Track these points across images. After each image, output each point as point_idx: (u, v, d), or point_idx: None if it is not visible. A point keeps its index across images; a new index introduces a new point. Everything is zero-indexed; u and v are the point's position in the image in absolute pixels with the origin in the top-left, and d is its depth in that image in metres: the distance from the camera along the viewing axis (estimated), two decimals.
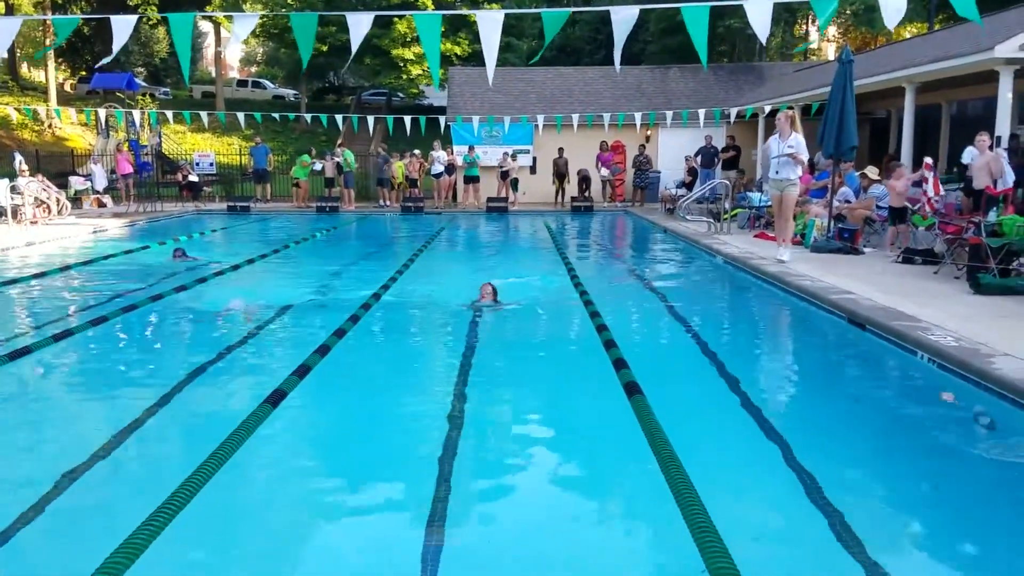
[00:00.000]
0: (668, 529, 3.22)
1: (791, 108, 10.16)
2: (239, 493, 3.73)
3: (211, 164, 26.09)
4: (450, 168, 22.52)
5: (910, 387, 5.74)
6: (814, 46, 40.27)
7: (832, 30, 44.07)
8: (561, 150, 22.14)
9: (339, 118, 23.91)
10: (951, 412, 5.10)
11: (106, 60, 7.56)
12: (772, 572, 3.05)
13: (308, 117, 20.85)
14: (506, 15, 7.28)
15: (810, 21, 41.52)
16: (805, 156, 10.11)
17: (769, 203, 14.78)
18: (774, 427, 4.47)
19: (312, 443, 4.57)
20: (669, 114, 20.38)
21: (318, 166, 22.83)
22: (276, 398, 4.68)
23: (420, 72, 33.27)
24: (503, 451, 4.32)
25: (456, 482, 3.70)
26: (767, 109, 18.56)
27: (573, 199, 21.68)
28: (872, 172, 12.32)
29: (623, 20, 6.83)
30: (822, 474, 3.77)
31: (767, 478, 3.92)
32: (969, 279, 8.10)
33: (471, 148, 22.37)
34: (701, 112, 19.24)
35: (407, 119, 20.21)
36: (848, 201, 12.35)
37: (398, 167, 22.85)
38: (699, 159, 20.41)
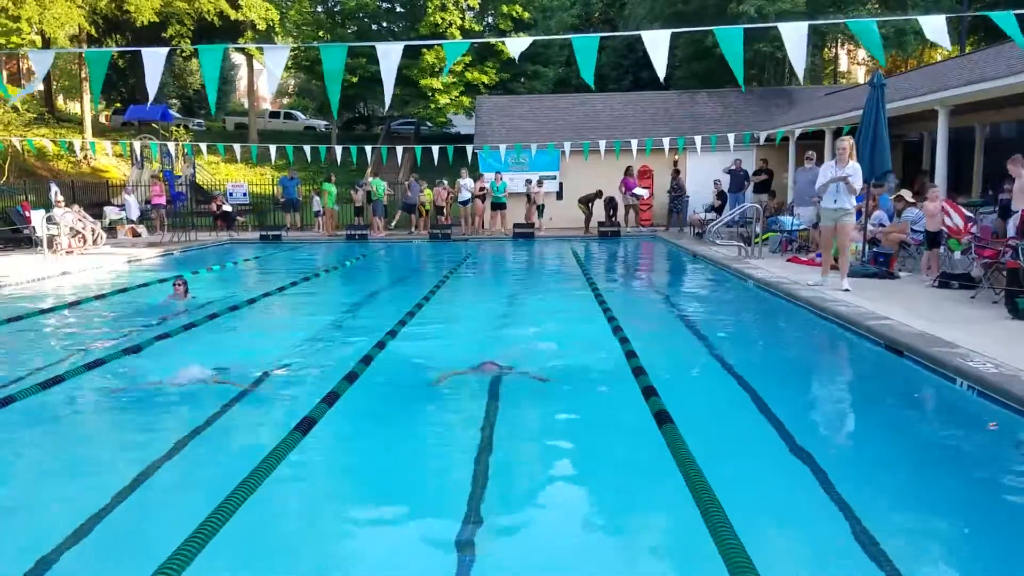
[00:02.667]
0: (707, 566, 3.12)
1: (850, 135, 10.02)
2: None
3: (244, 194, 26.49)
4: (480, 196, 22.63)
5: (950, 415, 5.57)
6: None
7: (861, 53, 43.87)
8: (600, 192, 22.04)
9: (368, 149, 24.19)
10: (992, 440, 4.94)
11: (151, 96, 7.67)
12: None
13: (339, 149, 21.09)
14: (533, 42, 7.33)
15: (839, 45, 41.40)
16: (860, 185, 9.77)
17: (803, 227, 14.67)
18: (813, 457, 4.35)
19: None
20: (698, 139, 20.30)
21: (356, 194, 23.10)
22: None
23: (448, 101, 33.63)
24: None
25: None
26: (797, 133, 18.43)
27: (600, 224, 21.64)
28: (906, 195, 12.14)
29: (654, 42, 6.83)
30: (861, 505, 3.66)
31: (806, 508, 3.81)
32: (1007, 304, 7.90)
33: (498, 175, 22.46)
34: (731, 136, 19.17)
35: (435, 148, 20.36)
36: (882, 225, 12.17)
37: (427, 194, 23.03)
38: (728, 183, 20.29)
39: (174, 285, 10.33)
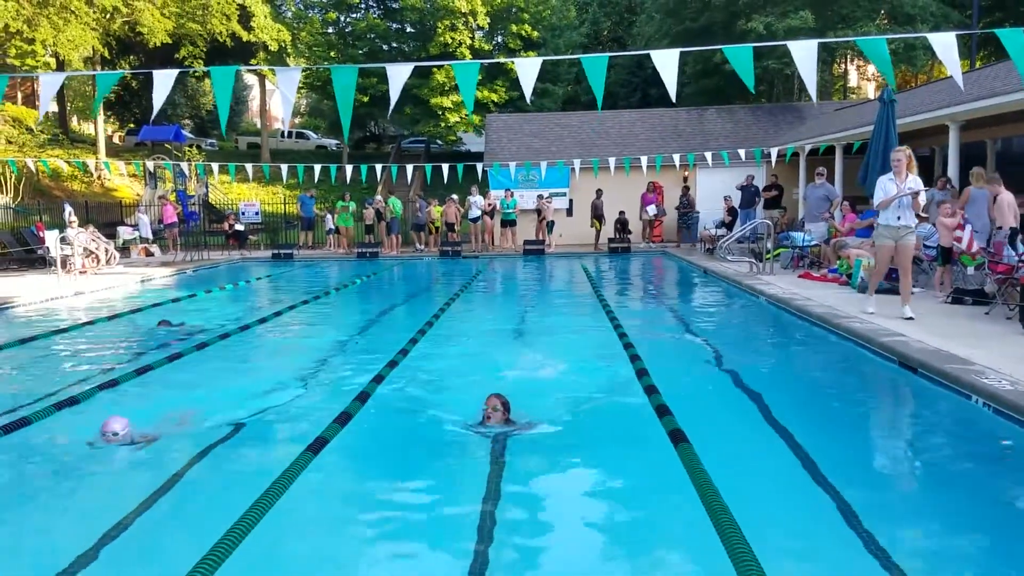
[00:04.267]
0: None
1: (905, 146, 9.07)
2: None
3: (256, 213, 26.67)
4: (489, 212, 22.70)
5: (966, 432, 5.52)
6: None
7: (871, 68, 43.87)
8: (600, 192, 22.19)
9: (379, 168, 24.31)
10: (1009, 458, 4.89)
11: (153, 114, 7.76)
12: None
13: (349, 168, 21.24)
14: (543, 61, 7.37)
15: (848, 60, 41.44)
16: (924, 200, 9.11)
17: (814, 242, 14.62)
18: (826, 477, 4.31)
19: None
20: (709, 155, 20.33)
21: (367, 212, 23.19)
22: None
23: (458, 119, 33.84)
24: None
25: None
26: (807, 149, 18.42)
27: (611, 240, 21.66)
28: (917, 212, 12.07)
29: (664, 62, 6.86)
30: (877, 525, 3.62)
31: (820, 528, 3.78)
32: (1022, 319, 7.84)
33: (508, 192, 22.53)
34: (742, 152, 19.18)
35: (445, 167, 20.47)
36: None
37: (436, 211, 23.11)
38: (739, 199, 20.27)
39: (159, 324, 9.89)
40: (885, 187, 8.72)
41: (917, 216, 8.94)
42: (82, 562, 3.46)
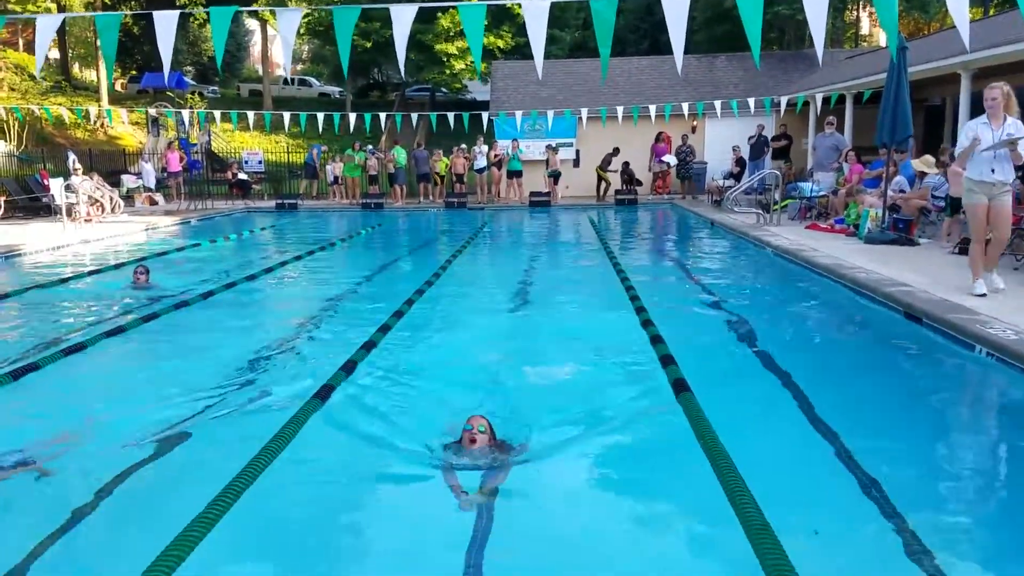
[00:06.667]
0: (726, 532, 3.13)
1: (1004, 82, 7.11)
2: None
3: (260, 162, 26.49)
4: (496, 163, 22.47)
5: (968, 382, 5.54)
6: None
7: None
8: (616, 150, 21.87)
9: (383, 116, 24.03)
10: (1011, 407, 4.91)
11: (166, 67, 7.44)
12: (829, 572, 2.94)
13: (352, 116, 21.01)
14: (552, 4, 7.18)
15: (861, 7, 40.61)
16: None
17: (822, 193, 14.49)
18: (829, 426, 4.34)
19: None
20: (718, 104, 20.02)
21: (370, 162, 22.90)
22: None
23: (464, 66, 33.32)
24: None
25: None
26: (819, 97, 18.13)
27: (617, 192, 21.49)
28: (927, 162, 11.95)
29: (674, 14, 6.64)
30: (879, 472, 3.66)
31: (823, 477, 3.82)
32: None
33: (515, 142, 22.30)
34: (751, 101, 18.92)
35: (450, 116, 20.24)
36: (903, 191, 12.01)
37: (442, 163, 22.89)
38: (748, 149, 20.03)
39: (136, 273, 9.21)
40: (976, 132, 7.00)
41: (1019, 169, 7.24)
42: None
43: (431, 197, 22.88)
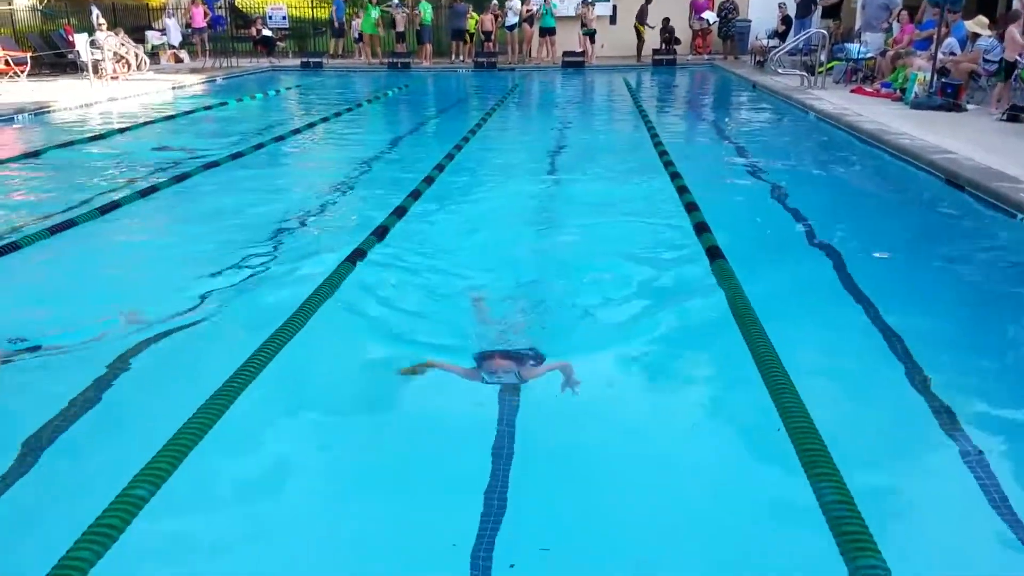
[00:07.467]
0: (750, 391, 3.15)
1: None
2: None
3: (284, 18, 25.63)
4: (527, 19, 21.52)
5: (1009, 250, 5.41)
6: None
7: None
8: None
9: None
10: None
11: None
12: (854, 433, 2.94)
13: None
14: None
15: None
16: None
17: (870, 55, 13.80)
18: (863, 291, 4.30)
19: None
20: None
21: (397, 17, 22.00)
22: None
23: None
24: None
25: None
26: None
27: (655, 52, 20.64)
28: (980, 23, 11.23)
29: None
30: (912, 338, 3.64)
31: (856, 340, 3.82)
32: None
33: None
34: None
35: None
36: (953, 53, 11.39)
37: (471, 20, 21.97)
38: (794, 7, 18.94)
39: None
40: None
41: None
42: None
43: (461, 57, 22.15)
